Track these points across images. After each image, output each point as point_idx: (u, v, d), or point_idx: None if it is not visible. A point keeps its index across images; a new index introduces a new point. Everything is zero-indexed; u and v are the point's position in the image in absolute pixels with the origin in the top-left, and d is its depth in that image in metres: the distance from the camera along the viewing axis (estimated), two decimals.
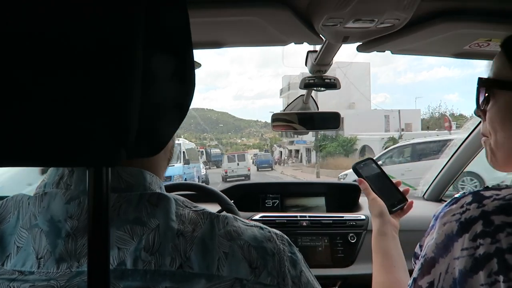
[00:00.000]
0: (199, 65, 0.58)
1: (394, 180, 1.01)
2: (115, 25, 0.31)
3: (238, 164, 22.42)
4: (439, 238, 0.56)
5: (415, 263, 0.62)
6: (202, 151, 32.29)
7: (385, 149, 20.86)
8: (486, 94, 0.64)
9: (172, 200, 0.46)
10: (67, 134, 0.31)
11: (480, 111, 0.66)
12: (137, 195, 0.45)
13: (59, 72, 0.30)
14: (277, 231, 0.51)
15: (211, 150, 40.36)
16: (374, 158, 1.05)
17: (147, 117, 0.37)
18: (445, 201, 2.02)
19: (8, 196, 0.48)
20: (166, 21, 0.38)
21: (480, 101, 0.65)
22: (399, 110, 27.88)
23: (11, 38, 0.29)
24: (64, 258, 0.41)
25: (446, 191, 1.99)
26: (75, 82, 0.30)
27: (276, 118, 1.55)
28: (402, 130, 25.26)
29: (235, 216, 0.49)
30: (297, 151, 40.90)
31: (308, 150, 35.54)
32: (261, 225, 0.50)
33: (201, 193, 1.51)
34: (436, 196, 2.01)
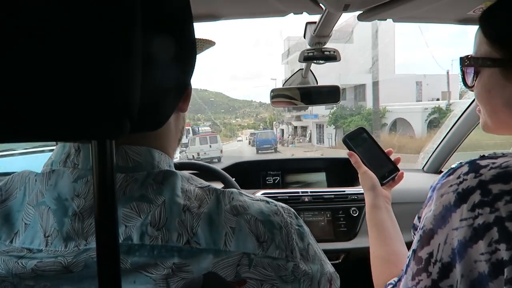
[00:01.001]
0: (213, 43, 0.57)
1: (385, 150, 1.00)
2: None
3: (210, 146, 21.70)
4: (437, 209, 0.55)
5: (414, 235, 0.62)
6: (188, 129, 28.60)
7: (428, 122, 18.06)
8: (469, 72, 0.66)
9: (178, 176, 0.46)
10: (68, 107, 0.30)
11: (469, 88, 0.67)
12: (144, 174, 0.44)
13: (60, 47, 0.29)
14: (284, 205, 0.51)
15: (199, 128, 34.93)
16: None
17: (149, 92, 0.36)
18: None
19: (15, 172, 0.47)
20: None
21: (467, 80, 0.67)
22: (447, 71, 19.31)
23: (12, 14, 0.28)
24: (71, 237, 0.41)
25: (446, 163, 2.00)
26: (75, 56, 0.30)
27: (275, 93, 1.53)
28: (438, 99, 21.68)
29: (240, 191, 0.49)
30: (304, 128, 34.62)
31: (319, 127, 29.67)
32: (267, 199, 0.50)
33: (203, 172, 1.50)
34: (435, 168, 2.01)
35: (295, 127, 37.25)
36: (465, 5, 0.91)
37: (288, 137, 36.89)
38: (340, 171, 1.92)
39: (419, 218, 0.62)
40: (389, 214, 0.89)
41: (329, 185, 1.87)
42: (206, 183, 0.48)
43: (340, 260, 1.55)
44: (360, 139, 1.01)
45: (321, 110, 27.02)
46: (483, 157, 0.56)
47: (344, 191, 1.67)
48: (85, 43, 0.30)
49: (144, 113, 0.37)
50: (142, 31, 0.33)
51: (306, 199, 1.64)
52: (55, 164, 0.45)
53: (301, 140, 33.83)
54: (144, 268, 0.40)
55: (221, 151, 22.31)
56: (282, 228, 0.46)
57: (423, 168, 2.08)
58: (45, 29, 0.29)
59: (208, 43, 0.55)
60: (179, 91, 0.42)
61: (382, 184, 0.93)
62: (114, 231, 0.33)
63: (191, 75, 0.45)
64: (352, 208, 1.62)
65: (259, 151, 27.66)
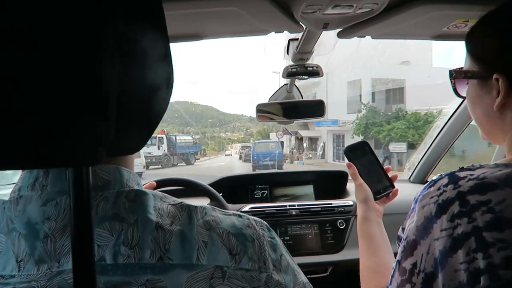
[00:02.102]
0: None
1: (384, 166, 1.02)
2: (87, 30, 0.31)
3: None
4: (419, 220, 0.57)
5: (399, 246, 0.64)
6: (161, 137, 25.74)
7: None
8: (457, 84, 0.71)
9: (150, 196, 0.46)
10: (44, 135, 0.31)
11: (461, 98, 0.73)
12: (114, 193, 0.45)
13: (39, 79, 0.30)
14: (256, 218, 0.52)
15: (178, 138, 30.01)
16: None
17: (125, 117, 0.37)
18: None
19: None
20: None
21: (458, 90, 0.72)
22: None
23: None
24: (43, 259, 0.41)
25: (431, 173, 2.03)
26: (50, 83, 0.30)
27: (260, 108, 1.55)
28: None
29: (214, 207, 0.50)
30: (314, 139, 28.02)
31: (338, 137, 23.46)
32: (240, 213, 0.51)
33: (189, 187, 1.51)
34: (421, 178, 2.04)
35: (300, 139, 30.29)
36: (440, 23, 0.95)
37: (291, 152, 29.16)
38: (327, 184, 1.94)
39: (403, 229, 0.63)
40: (380, 227, 0.92)
41: (317, 198, 1.88)
42: (178, 200, 0.49)
43: (328, 273, 1.56)
44: (361, 152, 1.02)
45: (342, 115, 22.06)
46: (462, 169, 0.58)
47: (331, 203, 1.68)
48: (61, 78, 0.30)
49: (121, 139, 0.38)
50: (118, 63, 0.34)
51: (294, 212, 1.65)
52: (23, 190, 0.46)
53: (310, 156, 26.97)
54: (117, 287, 0.40)
55: (144, 166, 19.74)
56: (254, 241, 0.47)
57: (409, 178, 2.11)
58: (21, 59, 0.29)
59: None
60: (156, 119, 0.43)
61: (375, 199, 0.95)
62: (91, 255, 0.34)
63: (167, 104, 0.45)
64: (339, 221, 1.64)
65: (257, 169, 20.31)
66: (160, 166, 25.07)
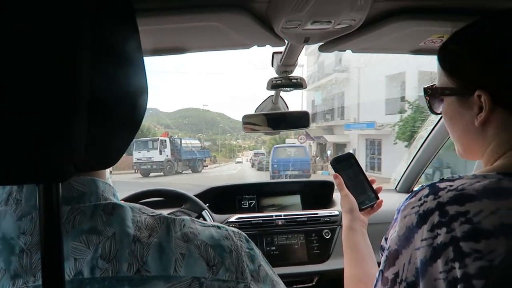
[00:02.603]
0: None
1: (369, 178, 1.05)
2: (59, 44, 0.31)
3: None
4: (400, 230, 0.58)
5: (381, 255, 0.65)
6: (164, 140, 23.50)
7: None
8: (434, 101, 0.71)
9: (127, 208, 0.47)
10: (13, 152, 0.31)
11: (436, 114, 0.73)
12: (91, 206, 0.45)
13: (6, 88, 0.30)
14: (235, 229, 0.52)
15: (183, 141, 26.65)
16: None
17: (96, 133, 0.37)
18: None
19: None
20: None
21: (433, 108, 0.72)
22: None
23: None
24: (19, 274, 0.41)
25: (416, 182, 2.05)
26: (18, 100, 0.31)
27: (246, 120, 1.56)
28: None
29: (193, 218, 0.50)
30: (342, 145, 22.92)
31: (373, 144, 18.66)
32: (219, 224, 0.52)
33: (174, 199, 1.51)
34: (407, 188, 2.07)
35: (324, 144, 25.54)
36: (417, 38, 0.97)
37: (313, 160, 23.18)
38: (314, 194, 1.95)
39: (386, 239, 0.64)
40: (364, 237, 0.93)
41: (304, 208, 1.89)
42: (157, 212, 0.49)
43: (314, 283, 1.57)
44: (347, 164, 1.05)
45: (379, 116, 17.92)
46: (442, 180, 0.59)
47: (317, 213, 1.70)
48: (29, 96, 0.31)
49: (92, 155, 0.39)
50: (90, 77, 0.34)
51: (280, 223, 1.66)
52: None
53: None
54: None
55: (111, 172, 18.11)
56: (232, 252, 0.48)
57: (395, 188, 2.13)
58: None
59: None
60: (130, 135, 0.44)
61: (360, 210, 0.97)
62: (61, 270, 0.34)
63: (142, 116, 0.45)
64: (325, 230, 1.65)
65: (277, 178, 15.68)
66: (162, 173, 22.44)
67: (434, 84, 0.70)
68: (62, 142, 0.33)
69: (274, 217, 1.68)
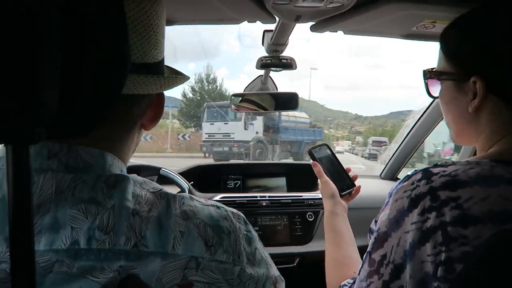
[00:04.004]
0: (187, 78, 0.56)
1: (344, 167, 1.09)
2: None
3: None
4: (391, 213, 0.59)
5: (369, 238, 0.65)
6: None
7: None
8: (432, 85, 0.71)
9: (130, 181, 0.46)
10: None
11: (433, 98, 0.73)
12: (94, 177, 0.44)
13: None
14: (234, 210, 0.52)
15: (285, 113, 16.06)
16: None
17: (70, 98, 0.36)
18: (400, 179, 2.11)
19: None
20: None
21: (430, 91, 0.72)
22: None
23: None
24: None
25: (401, 170, 2.07)
26: None
27: (235, 98, 1.55)
28: None
29: (192, 196, 0.49)
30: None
31: None
32: (218, 204, 0.51)
33: (156, 175, 1.50)
34: (391, 175, 2.09)
35: None
36: (409, 22, 0.96)
37: None
38: (300, 177, 1.96)
39: (375, 222, 0.65)
40: (345, 221, 0.96)
41: (289, 190, 1.90)
42: (158, 187, 0.48)
43: (295, 264, 1.58)
44: (323, 153, 1.09)
45: None
46: (436, 165, 0.59)
47: (301, 196, 1.70)
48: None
49: (65, 119, 0.37)
50: (62, 38, 0.33)
51: (264, 204, 1.66)
52: (3, 160, 0.44)
53: None
54: (90, 272, 0.39)
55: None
56: (230, 233, 0.47)
57: (380, 174, 2.15)
58: None
59: (180, 80, 0.54)
60: (108, 99, 0.42)
61: (340, 196, 1.00)
62: (29, 238, 0.33)
63: (123, 82, 0.43)
64: (308, 213, 1.66)
65: None
66: (247, 159, 13.98)
67: (434, 68, 0.70)
68: (28, 103, 0.31)
69: (258, 198, 1.68)
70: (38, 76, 0.31)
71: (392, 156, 2.04)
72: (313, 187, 1.89)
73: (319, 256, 1.63)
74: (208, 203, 0.50)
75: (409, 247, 0.55)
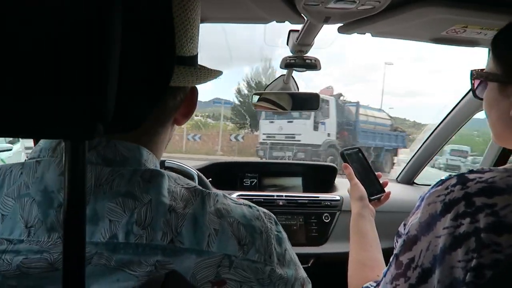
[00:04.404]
0: (220, 73, 0.57)
1: (376, 173, 1.09)
2: None
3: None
4: (423, 217, 0.59)
5: (397, 241, 0.65)
6: (327, 100, 12.04)
7: None
8: (478, 85, 0.72)
9: (165, 177, 0.46)
10: (47, 106, 0.31)
11: (479, 99, 0.73)
12: (131, 171, 0.45)
13: (37, 44, 0.30)
14: (265, 210, 0.52)
15: (362, 110, 14.16)
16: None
17: (125, 93, 0.37)
18: (417, 184, 2.08)
19: None
20: None
21: (476, 91, 0.73)
22: None
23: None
24: (55, 228, 0.41)
25: (418, 175, 2.06)
26: (52, 54, 0.30)
27: (256, 97, 1.56)
28: None
29: (225, 194, 0.50)
30: None
31: None
32: (250, 203, 0.51)
33: (174, 172, 1.51)
34: (408, 179, 2.07)
35: None
36: (439, 26, 0.95)
37: None
38: (316, 177, 1.96)
39: (404, 225, 0.65)
40: (371, 224, 0.97)
41: (305, 190, 1.90)
42: (192, 184, 0.49)
43: (309, 264, 1.58)
44: (355, 157, 1.10)
45: None
46: (471, 171, 0.59)
47: (318, 197, 1.70)
48: (66, 48, 0.30)
49: (119, 115, 0.38)
50: (121, 31, 0.33)
51: (281, 203, 1.67)
52: (44, 151, 0.46)
53: None
54: (127, 266, 0.40)
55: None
56: (262, 233, 0.48)
57: (397, 178, 2.13)
58: (20, 28, 0.29)
59: (214, 74, 0.55)
60: (158, 93, 0.43)
61: (369, 200, 1.01)
62: (82, 229, 0.33)
63: (169, 78, 0.44)
64: (325, 214, 1.66)
65: None
66: None
67: (483, 69, 0.70)
68: (93, 100, 0.32)
69: (275, 197, 1.68)
70: (105, 74, 0.32)
71: (409, 162, 2.03)
72: (329, 188, 1.89)
73: (334, 258, 1.64)
74: (241, 202, 0.51)
75: (439, 251, 0.55)
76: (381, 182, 1.08)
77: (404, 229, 0.63)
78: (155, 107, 0.44)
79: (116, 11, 0.32)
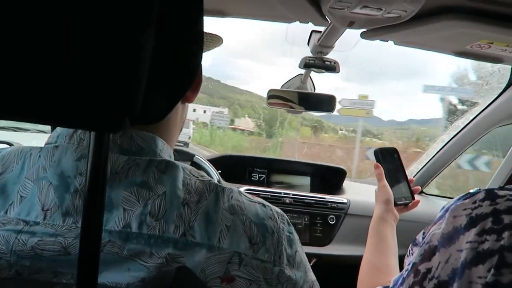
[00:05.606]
0: (221, 41, 0.56)
1: (409, 178, 1.05)
2: None
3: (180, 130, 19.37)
4: (446, 228, 0.57)
5: (412, 249, 0.65)
6: None
7: None
8: None
9: (180, 169, 0.47)
10: (79, 97, 0.31)
11: None
12: (146, 160, 0.45)
13: (73, 38, 0.30)
14: (278, 210, 0.52)
15: None
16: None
17: (152, 88, 0.37)
18: (425, 194, 2.06)
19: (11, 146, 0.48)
20: None
21: None
22: None
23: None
24: (70, 213, 0.41)
25: (428, 184, 2.04)
26: (87, 48, 0.31)
27: (272, 94, 1.56)
28: None
29: (240, 190, 0.50)
30: None
31: None
32: (264, 202, 0.51)
33: (189, 161, 1.53)
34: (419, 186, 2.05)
35: None
36: (464, 40, 0.94)
37: None
38: (325, 178, 1.96)
39: (423, 233, 0.64)
40: (392, 229, 0.93)
41: (312, 190, 1.90)
42: (207, 177, 0.49)
43: (311, 264, 1.59)
44: (390, 158, 1.05)
45: None
46: (501, 188, 0.58)
47: (325, 198, 1.71)
48: (99, 40, 0.31)
49: (145, 107, 0.39)
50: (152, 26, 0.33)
51: (287, 201, 1.67)
52: (61, 137, 0.46)
53: None
54: (139, 256, 0.41)
55: (189, 137, 19.18)
56: (274, 233, 0.48)
57: None
58: (56, 19, 0.30)
59: (216, 41, 0.55)
60: (185, 85, 0.43)
61: (395, 205, 0.97)
62: (100, 217, 0.34)
63: (197, 70, 0.45)
64: (330, 216, 1.66)
65: None
66: None
67: None
68: (122, 95, 0.32)
69: (282, 195, 1.69)
70: (139, 70, 0.33)
71: (421, 170, 2.01)
72: (336, 190, 1.89)
73: (336, 260, 1.65)
74: (255, 199, 0.50)
75: (460, 265, 0.54)
76: (412, 188, 1.03)
77: (423, 238, 0.62)
78: (179, 101, 0.44)
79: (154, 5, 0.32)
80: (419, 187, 1.05)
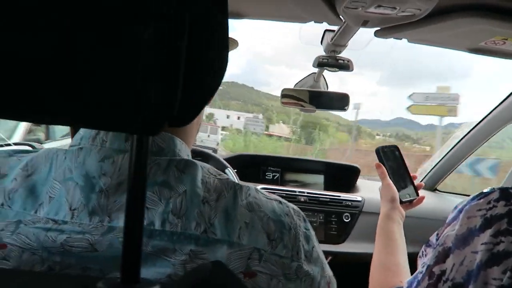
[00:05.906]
0: (236, 44, 0.57)
1: (412, 174, 1.05)
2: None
3: (208, 136, 19.02)
4: (460, 230, 0.57)
5: (425, 250, 0.65)
6: None
7: None
8: None
9: (199, 167, 0.48)
10: (122, 101, 0.33)
11: None
12: (167, 160, 0.47)
13: (120, 46, 0.31)
14: (295, 207, 0.53)
15: None
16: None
17: (186, 93, 0.37)
18: (439, 191, 2.05)
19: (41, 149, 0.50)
20: None
21: None
22: None
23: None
24: (96, 212, 0.43)
25: (440, 182, 2.03)
26: (134, 50, 0.31)
27: (285, 93, 1.57)
28: None
29: (257, 188, 0.51)
30: None
31: None
32: (281, 199, 0.52)
33: (196, 157, 1.55)
34: (431, 185, 2.05)
35: None
36: (479, 37, 0.95)
37: None
38: (338, 176, 1.97)
39: (437, 234, 0.63)
40: (399, 228, 0.94)
41: (326, 188, 1.91)
42: (224, 176, 0.50)
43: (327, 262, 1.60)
44: (391, 155, 1.06)
45: None
46: None
47: (340, 196, 1.72)
48: (140, 49, 0.31)
49: (180, 110, 0.39)
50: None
51: (302, 199, 1.69)
52: (84, 140, 0.48)
53: None
54: (163, 252, 0.42)
55: (217, 143, 19.38)
56: (291, 229, 0.49)
57: None
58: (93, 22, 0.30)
59: (231, 45, 0.56)
60: (212, 88, 0.44)
61: (400, 202, 0.98)
62: (141, 217, 0.36)
63: (225, 68, 0.45)
64: (345, 214, 1.67)
65: None
66: None
67: None
68: (165, 98, 0.33)
69: (297, 193, 1.71)
70: (180, 71, 0.34)
71: (434, 167, 2.01)
72: (350, 189, 1.90)
73: (351, 258, 1.66)
74: (272, 197, 0.52)
75: (475, 267, 0.53)
76: (415, 184, 1.04)
77: (437, 239, 0.62)
78: (207, 103, 0.45)
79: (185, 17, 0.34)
80: (423, 183, 1.05)
